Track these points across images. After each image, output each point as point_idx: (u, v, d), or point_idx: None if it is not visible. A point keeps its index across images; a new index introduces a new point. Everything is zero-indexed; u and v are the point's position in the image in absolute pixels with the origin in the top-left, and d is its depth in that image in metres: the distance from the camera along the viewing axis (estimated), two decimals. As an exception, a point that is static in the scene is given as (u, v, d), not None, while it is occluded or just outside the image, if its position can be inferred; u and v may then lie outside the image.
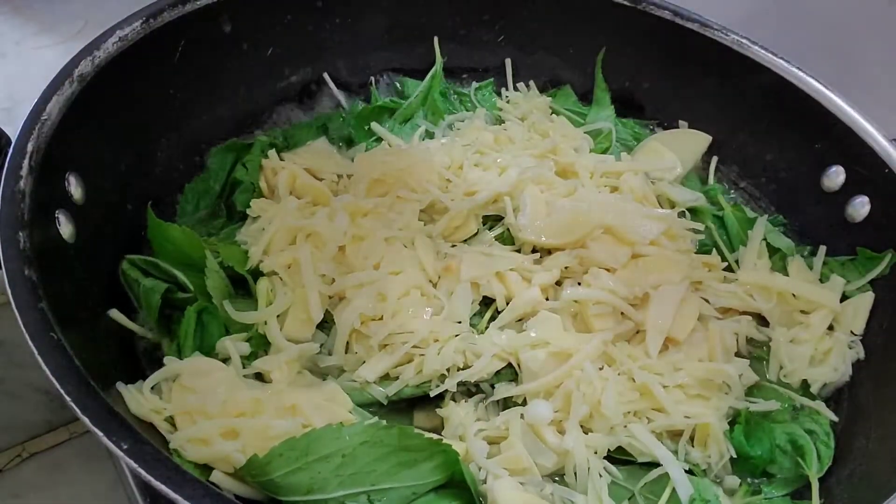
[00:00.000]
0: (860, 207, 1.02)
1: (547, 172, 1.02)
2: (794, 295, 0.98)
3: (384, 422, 0.77)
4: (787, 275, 1.02)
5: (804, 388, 0.94)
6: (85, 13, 1.33)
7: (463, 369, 0.85)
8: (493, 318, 0.92)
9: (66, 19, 1.32)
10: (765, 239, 1.05)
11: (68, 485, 0.99)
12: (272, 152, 1.06)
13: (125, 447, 0.64)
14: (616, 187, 1.05)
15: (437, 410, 0.87)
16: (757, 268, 1.01)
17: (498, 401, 0.87)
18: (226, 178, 1.05)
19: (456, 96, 1.23)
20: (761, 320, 0.99)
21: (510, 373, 0.88)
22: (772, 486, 0.87)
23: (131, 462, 0.63)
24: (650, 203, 1.04)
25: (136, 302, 0.88)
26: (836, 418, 0.91)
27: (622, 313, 0.91)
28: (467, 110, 1.21)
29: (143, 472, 0.63)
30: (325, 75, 1.19)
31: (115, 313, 0.86)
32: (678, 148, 1.15)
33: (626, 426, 0.84)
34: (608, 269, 0.94)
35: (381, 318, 0.86)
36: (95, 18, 1.30)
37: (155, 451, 0.65)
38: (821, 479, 0.87)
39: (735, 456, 0.86)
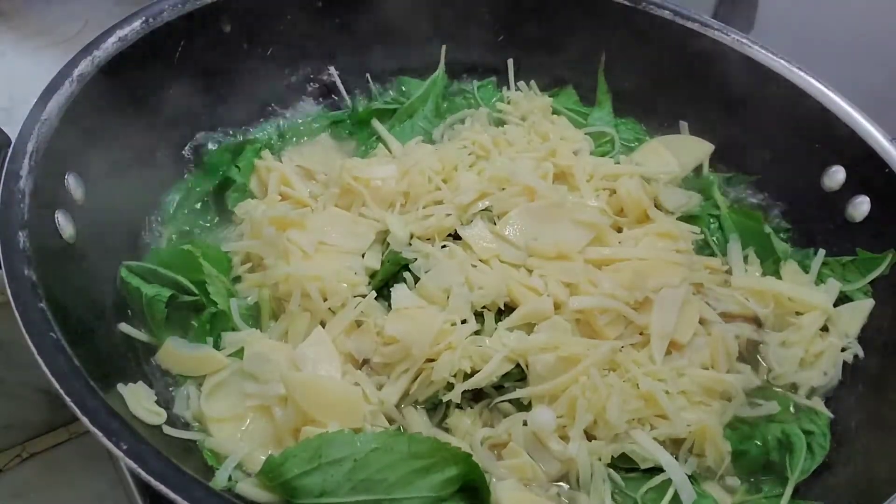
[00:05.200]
0: (860, 207, 1.02)
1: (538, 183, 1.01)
2: (789, 298, 0.98)
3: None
4: (780, 278, 1.02)
5: (793, 391, 0.94)
6: (85, 13, 1.33)
7: (470, 374, 0.85)
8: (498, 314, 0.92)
9: (66, 19, 1.32)
10: (761, 242, 1.05)
11: (68, 485, 1.00)
12: (266, 153, 1.06)
13: (125, 447, 0.64)
14: (613, 190, 1.05)
15: (446, 422, 0.87)
16: (747, 273, 1.02)
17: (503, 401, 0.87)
18: (219, 177, 1.05)
19: (459, 94, 1.23)
20: (759, 323, 0.99)
21: (518, 373, 0.87)
22: (772, 483, 0.87)
23: (131, 462, 0.63)
24: (646, 205, 1.03)
25: (136, 308, 0.88)
26: (831, 415, 0.92)
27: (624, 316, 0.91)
28: (470, 107, 1.20)
29: (142, 473, 0.63)
30: (331, 68, 1.18)
31: (124, 326, 0.86)
32: (679, 152, 1.15)
33: (628, 433, 0.84)
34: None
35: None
36: (95, 18, 1.30)
37: (155, 451, 0.65)
38: (821, 478, 0.87)
39: (730, 450, 0.86)
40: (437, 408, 0.87)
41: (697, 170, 1.17)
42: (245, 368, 0.83)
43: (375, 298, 0.91)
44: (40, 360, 0.67)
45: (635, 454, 0.83)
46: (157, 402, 0.80)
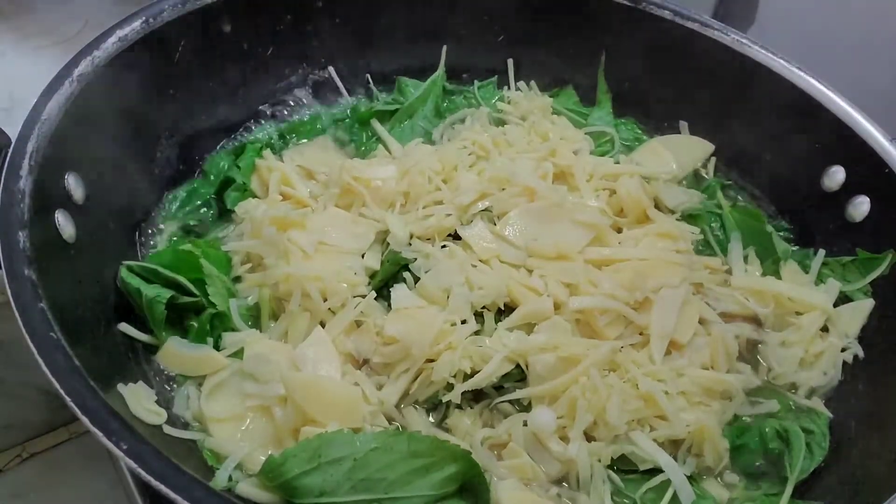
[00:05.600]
0: (860, 207, 1.02)
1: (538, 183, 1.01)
2: (789, 298, 0.98)
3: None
4: (780, 278, 1.02)
5: (792, 391, 0.94)
6: (85, 13, 1.33)
7: (470, 375, 0.85)
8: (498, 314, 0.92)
9: (66, 19, 1.32)
10: (762, 242, 1.05)
11: (68, 485, 1.00)
12: (267, 152, 1.07)
13: (125, 447, 0.64)
14: (613, 190, 1.05)
15: (446, 422, 0.87)
16: (747, 273, 1.02)
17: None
18: (220, 178, 1.05)
19: (459, 94, 1.23)
20: (759, 323, 0.99)
21: (518, 373, 0.87)
22: (770, 482, 0.87)
23: (131, 462, 0.63)
24: (646, 205, 1.03)
25: (136, 308, 0.88)
26: (830, 415, 0.92)
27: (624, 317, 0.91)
28: (470, 107, 1.20)
29: (142, 472, 0.63)
30: (331, 68, 1.19)
31: (124, 326, 0.86)
32: (679, 152, 1.15)
33: (628, 434, 0.84)
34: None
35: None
36: (95, 18, 1.30)
37: (155, 451, 0.65)
38: (821, 478, 0.87)
39: (727, 447, 0.86)
40: (437, 408, 0.88)
41: (700, 174, 1.17)
42: (245, 369, 0.83)
43: (375, 298, 0.91)
44: (40, 360, 0.67)
45: (635, 455, 0.83)
46: (157, 402, 0.80)
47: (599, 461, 0.83)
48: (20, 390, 1.02)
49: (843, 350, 0.97)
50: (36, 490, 0.99)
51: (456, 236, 0.97)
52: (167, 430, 0.78)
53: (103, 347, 0.82)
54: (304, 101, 1.19)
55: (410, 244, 0.94)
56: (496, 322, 0.90)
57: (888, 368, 0.94)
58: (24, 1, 1.36)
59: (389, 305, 0.89)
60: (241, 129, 1.14)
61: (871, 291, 1.00)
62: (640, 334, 0.91)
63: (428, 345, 0.84)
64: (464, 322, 0.88)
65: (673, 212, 1.08)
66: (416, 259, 0.93)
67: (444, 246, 0.94)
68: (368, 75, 1.22)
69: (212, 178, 1.06)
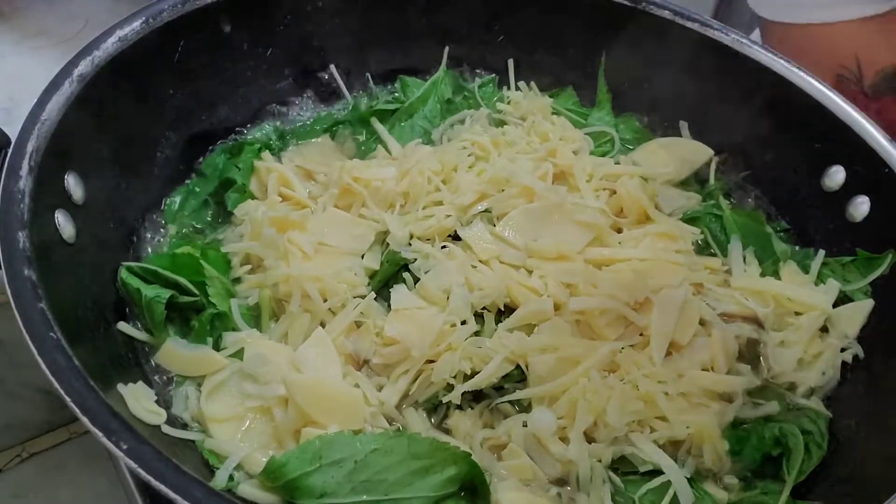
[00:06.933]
0: (860, 207, 1.02)
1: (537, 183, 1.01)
2: (788, 299, 0.98)
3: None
4: (780, 279, 1.02)
5: (792, 391, 0.94)
6: (85, 13, 1.33)
7: (470, 376, 0.85)
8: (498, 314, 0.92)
9: (66, 19, 1.32)
10: (762, 242, 1.05)
11: (68, 485, 1.00)
12: (266, 153, 1.07)
13: (125, 447, 0.64)
14: (613, 190, 1.05)
15: (447, 422, 0.87)
16: (746, 273, 1.02)
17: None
18: (218, 178, 1.05)
19: (459, 94, 1.23)
20: (760, 323, 0.99)
21: (518, 374, 0.87)
22: (769, 482, 0.87)
23: (131, 462, 0.63)
24: (646, 205, 1.03)
25: (137, 309, 0.88)
26: (829, 414, 0.92)
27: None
28: (470, 107, 1.20)
29: (142, 473, 0.63)
30: (332, 67, 1.18)
31: (122, 325, 0.86)
32: (678, 154, 1.15)
33: (627, 436, 0.84)
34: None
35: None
36: (95, 18, 1.30)
37: (155, 451, 0.65)
38: (820, 478, 0.87)
39: (727, 449, 0.86)
40: (437, 409, 0.88)
41: (702, 178, 1.17)
42: (245, 369, 0.83)
43: (375, 299, 0.91)
44: (40, 360, 0.67)
45: (635, 457, 0.83)
46: (157, 402, 0.80)
47: (600, 462, 0.82)
48: (20, 390, 1.02)
49: (842, 350, 0.97)
50: (36, 490, 0.99)
51: (456, 237, 0.97)
52: (166, 430, 0.78)
53: (103, 347, 0.82)
54: (304, 101, 1.19)
55: (410, 244, 0.94)
56: (496, 323, 0.90)
57: (888, 368, 0.94)
58: (24, 1, 1.36)
59: (389, 306, 0.89)
60: (240, 130, 1.14)
61: (871, 291, 1.00)
62: (641, 335, 0.91)
63: (428, 346, 0.84)
64: (464, 323, 0.88)
65: (670, 215, 1.08)
66: (415, 259, 0.93)
67: (443, 246, 0.94)
68: (368, 75, 1.22)
69: (210, 178, 1.06)
